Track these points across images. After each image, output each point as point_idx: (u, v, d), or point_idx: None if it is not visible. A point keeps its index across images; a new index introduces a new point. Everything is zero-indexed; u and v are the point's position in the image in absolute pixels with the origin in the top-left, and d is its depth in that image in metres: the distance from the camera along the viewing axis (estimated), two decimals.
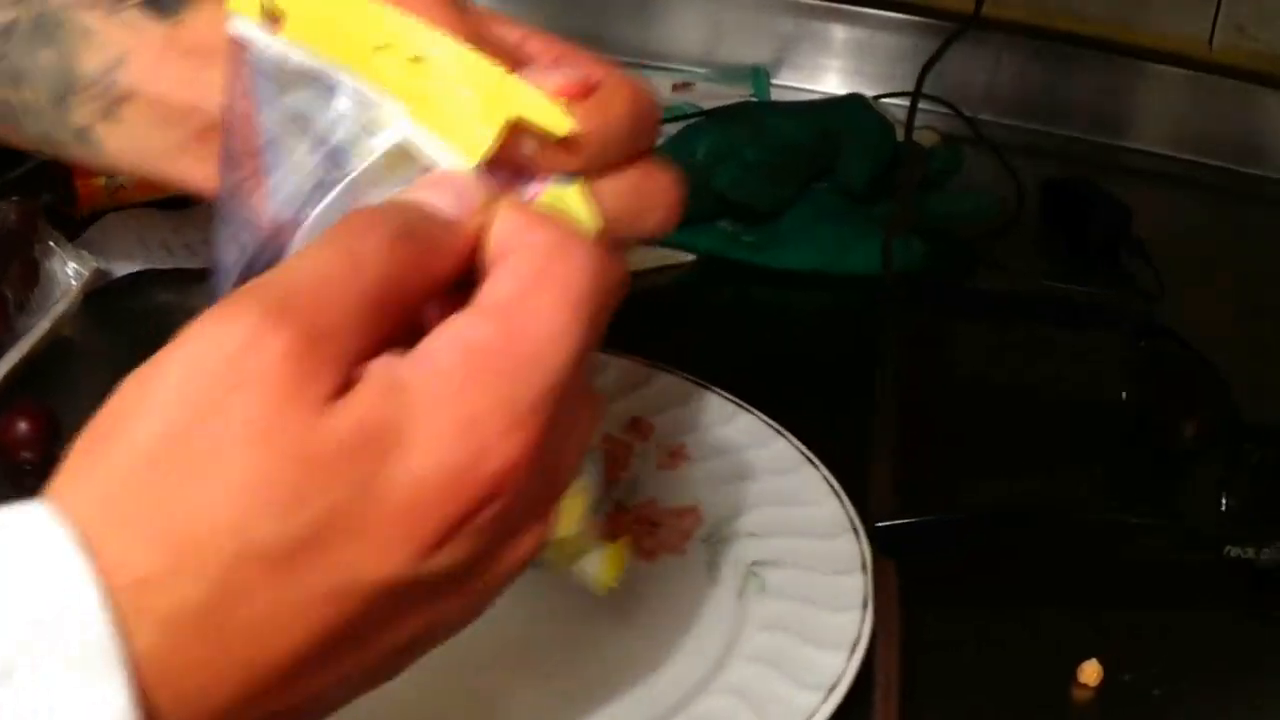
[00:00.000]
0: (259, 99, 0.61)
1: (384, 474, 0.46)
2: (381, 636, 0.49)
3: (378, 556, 0.46)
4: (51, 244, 1.01)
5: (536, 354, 0.49)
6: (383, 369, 0.48)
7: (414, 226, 0.52)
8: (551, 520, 0.53)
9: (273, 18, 0.59)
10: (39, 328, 0.95)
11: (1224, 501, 0.87)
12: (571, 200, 0.58)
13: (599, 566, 0.68)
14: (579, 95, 0.58)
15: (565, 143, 0.56)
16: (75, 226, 1.08)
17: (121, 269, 1.05)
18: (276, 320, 0.46)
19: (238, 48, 0.61)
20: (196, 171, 0.67)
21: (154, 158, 0.69)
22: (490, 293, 0.51)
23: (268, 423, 0.45)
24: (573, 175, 0.58)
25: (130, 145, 0.69)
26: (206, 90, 0.65)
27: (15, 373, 0.92)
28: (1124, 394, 0.95)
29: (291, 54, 0.59)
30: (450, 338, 0.49)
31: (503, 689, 0.72)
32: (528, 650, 0.74)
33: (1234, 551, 0.82)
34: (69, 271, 1.00)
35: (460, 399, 0.47)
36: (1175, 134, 1.45)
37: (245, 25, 0.60)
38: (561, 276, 0.51)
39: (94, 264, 1.01)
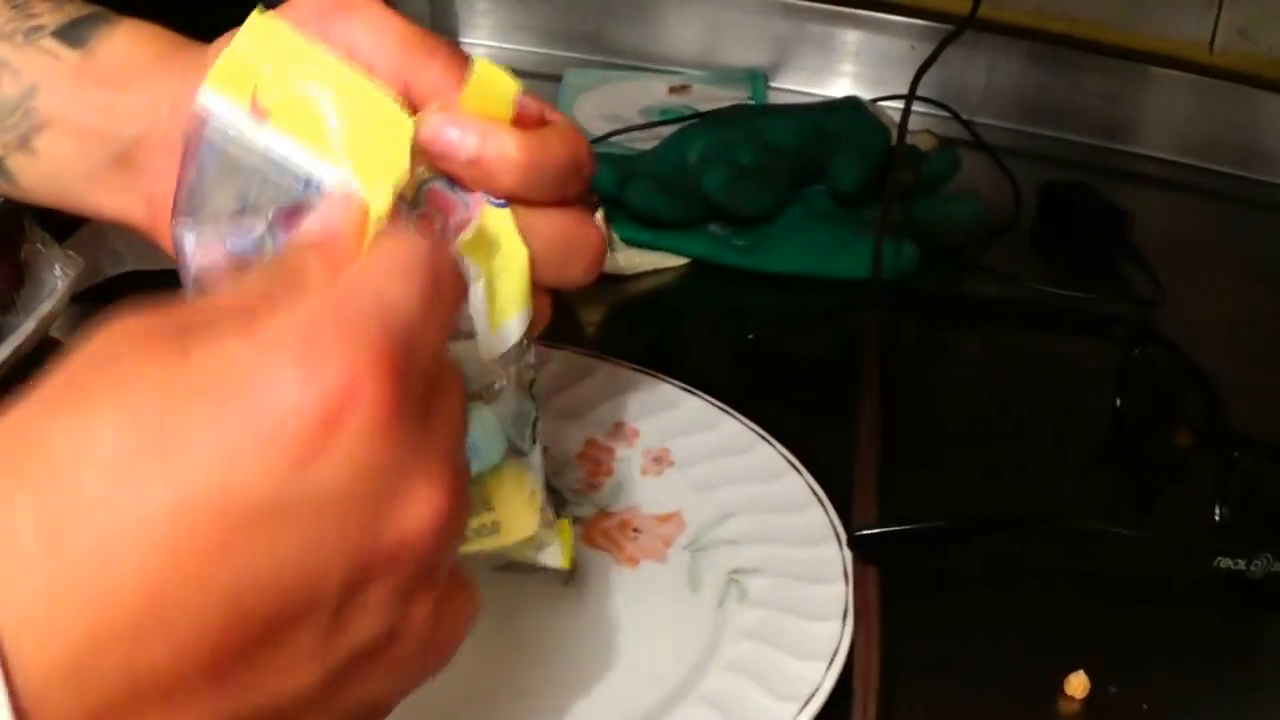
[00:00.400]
0: (202, 164, 0.62)
1: None
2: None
3: None
4: (39, 245, 1.00)
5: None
6: None
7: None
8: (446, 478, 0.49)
9: (260, 110, 0.61)
10: (25, 328, 0.94)
11: (1216, 512, 0.86)
12: (503, 223, 0.63)
13: (557, 552, 0.71)
14: (530, 123, 0.63)
15: (501, 162, 0.61)
16: (63, 227, 1.07)
17: (110, 270, 1.04)
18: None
19: (199, 119, 0.62)
20: (111, 201, 0.69)
21: (69, 187, 0.70)
22: None
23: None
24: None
25: (45, 175, 0.70)
26: (120, 118, 0.67)
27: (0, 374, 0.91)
28: (1116, 402, 0.94)
29: (275, 145, 0.61)
30: None
31: (479, 696, 0.72)
32: (503, 656, 0.74)
33: (1225, 563, 0.81)
34: (56, 272, 1.00)
35: None
36: (1175, 138, 1.44)
37: (221, 104, 0.62)
38: (389, 247, 0.49)
39: (81, 264, 1.01)
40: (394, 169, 0.58)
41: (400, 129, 0.59)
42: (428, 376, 0.48)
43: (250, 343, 0.44)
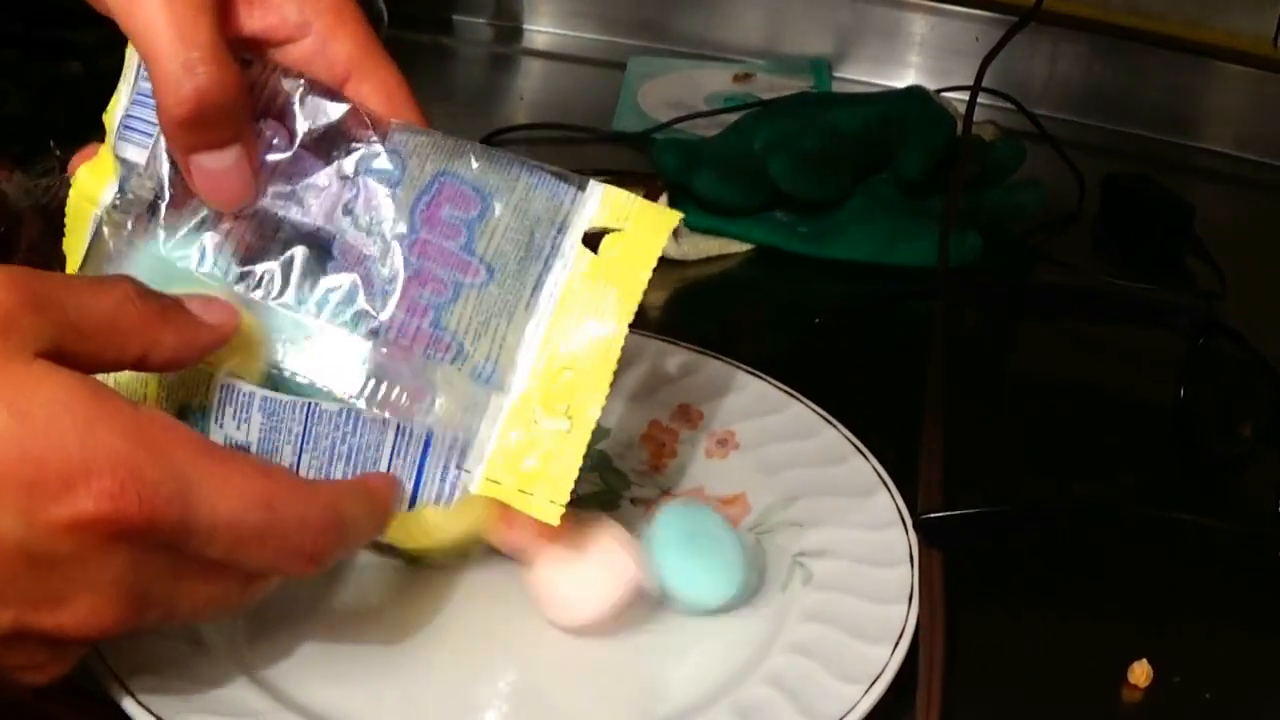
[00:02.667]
0: None
1: None
2: None
3: None
4: None
5: None
6: None
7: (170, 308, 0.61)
8: None
9: None
10: None
11: None
12: None
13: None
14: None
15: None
16: None
17: None
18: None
19: None
20: None
21: None
22: None
23: None
24: None
25: None
26: None
27: None
28: (1180, 393, 0.94)
29: None
30: None
31: (543, 676, 0.72)
32: (569, 639, 0.73)
33: None
34: None
35: None
36: (1238, 133, 1.44)
37: None
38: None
39: None
40: None
41: None
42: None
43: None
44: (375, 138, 0.68)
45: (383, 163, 0.68)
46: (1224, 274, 1.15)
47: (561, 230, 0.68)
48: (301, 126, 0.68)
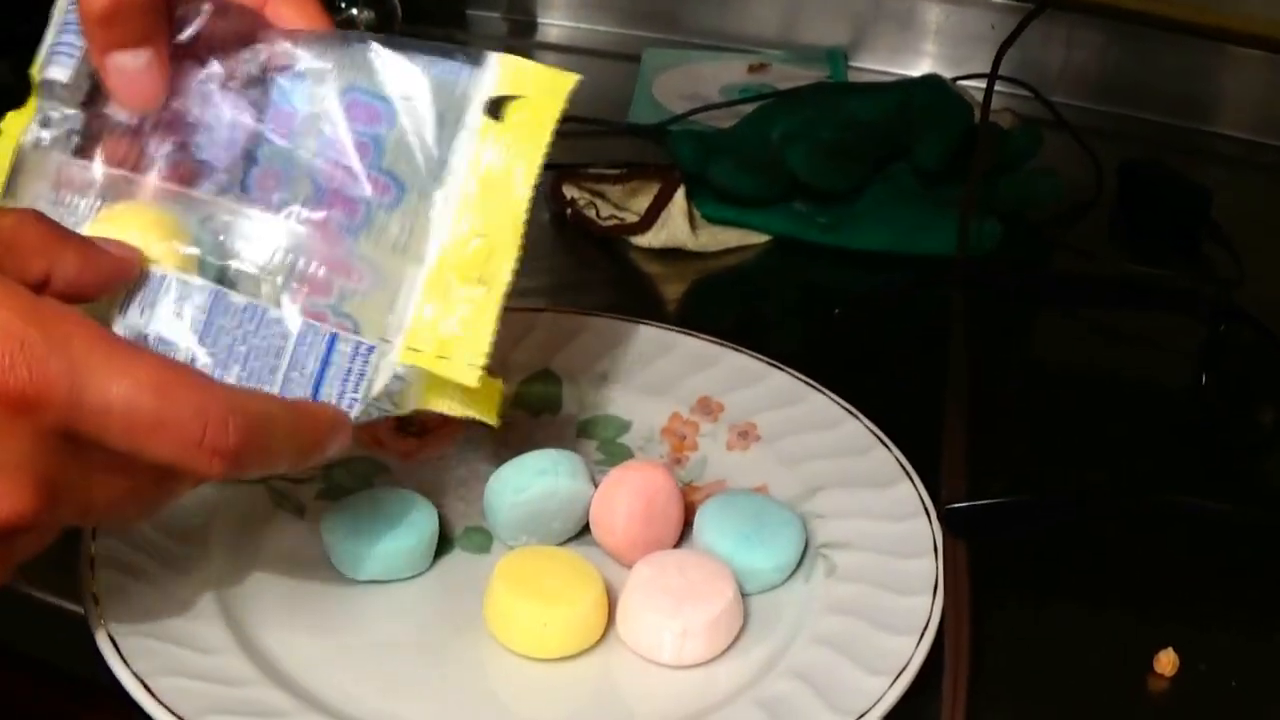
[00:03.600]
0: None
1: None
2: None
3: None
4: None
5: None
6: None
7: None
8: None
9: None
10: None
11: None
12: None
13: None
14: None
15: None
16: None
17: None
18: None
19: None
20: None
21: None
22: None
23: None
24: None
25: None
26: None
27: None
28: (1201, 379, 0.93)
29: None
30: None
31: (569, 667, 0.72)
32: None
33: None
34: None
35: None
36: (1255, 117, 1.43)
37: None
38: None
39: None
40: None
41: None
42: None
43: None
44: (287, 57, 0.70)
45: (294, 81, 0.69)
46: (1242, 259, 1.15)
47: (462, 105, 0.69)
48: (216, 45, 0.70)
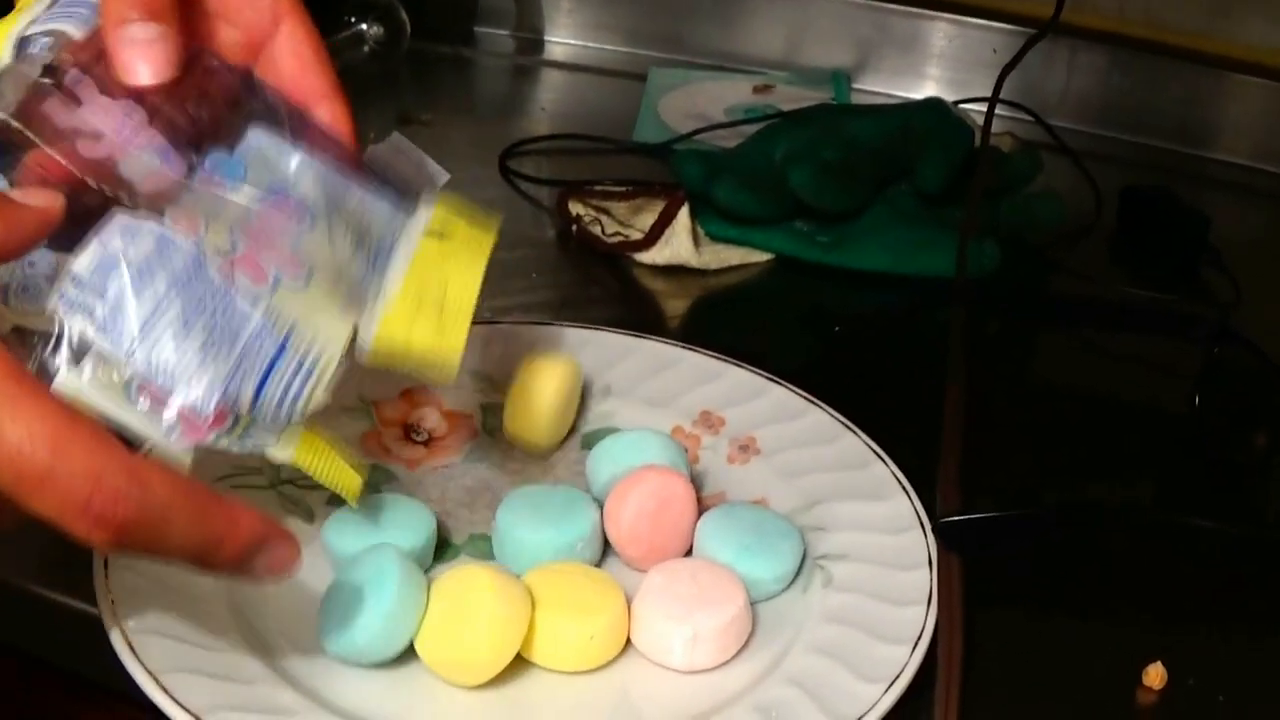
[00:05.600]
0: None
1: None
2: None
3: None
4: None
5: None
6: None
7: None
8: None
9: None
10: None
11: None
12: None
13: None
14: None
15: None
16: None
17: None
18: None
19: None
20: None
21: None
22: None
23: None
24: None
25: None
26: None
27: None
28: (1196, 401, 0.94)
29: None
30: None
31: (568, 676, 0.73)
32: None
33: None
34: None
35: None
36: (1255, 144, 1.44)
37: None
38: None
39: None
40: None
41: None
42: None
43: None
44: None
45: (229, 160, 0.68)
46: (1239, 284, 1.16)
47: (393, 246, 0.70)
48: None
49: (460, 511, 0.84)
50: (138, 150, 0.65)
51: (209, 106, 0.68)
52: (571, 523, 0.78)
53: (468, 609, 0.70)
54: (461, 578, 0.72)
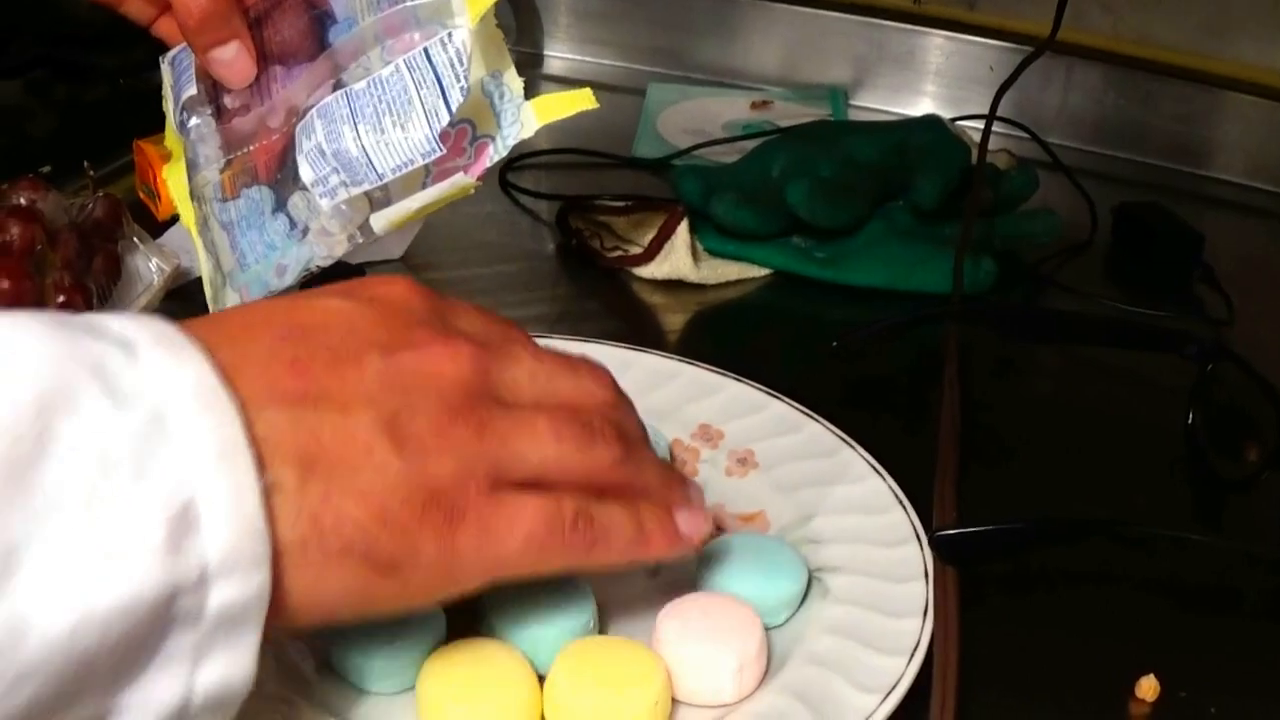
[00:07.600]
0: None
1: None
2: None
3: None
4: (135, 240, 1.02)
5: None
6: None
7: None
8: None
9: None
10: None
11: None
12: None
13: None
14: None
15: None
16: (156, 226, 1.10)
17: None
18: None
19: None
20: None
21: None
22: None
23: None
24: None
25: None
26: None
27: None
28: (1189, 417, 0.95)
29: None
30: None
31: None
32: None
33: None
34: (151, 267, 1.02)
35: None
36: (1249, 162, 1.45)
37: None
38: None
39: (176, 261, 1.03)
40: None
41: None
42: None
43: None
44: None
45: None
46: (1233, 301, 1.17)
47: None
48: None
49: None
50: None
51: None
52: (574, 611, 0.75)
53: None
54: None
